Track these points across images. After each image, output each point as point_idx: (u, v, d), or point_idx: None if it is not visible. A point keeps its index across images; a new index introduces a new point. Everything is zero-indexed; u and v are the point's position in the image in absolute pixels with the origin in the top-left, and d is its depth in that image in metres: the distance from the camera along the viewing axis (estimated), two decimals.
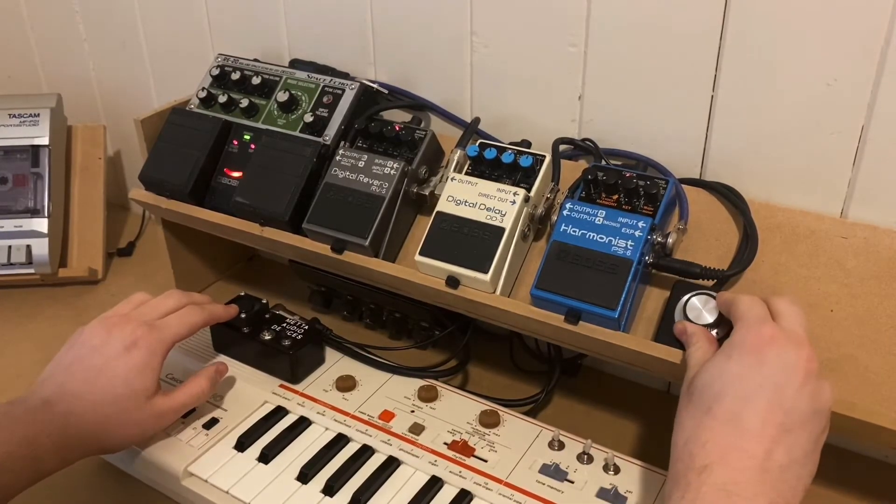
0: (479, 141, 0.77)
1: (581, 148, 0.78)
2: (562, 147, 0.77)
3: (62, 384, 0.65)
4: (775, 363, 0.52)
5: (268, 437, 0.72)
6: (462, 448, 0.70)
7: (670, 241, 0.66)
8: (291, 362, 0.78)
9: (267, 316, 0.81)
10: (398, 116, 0.87)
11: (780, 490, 0.50)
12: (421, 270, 0.73)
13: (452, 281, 0.70)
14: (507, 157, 0.72)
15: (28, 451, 0.60)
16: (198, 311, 0.74)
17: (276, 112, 0.85)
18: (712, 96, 0.70)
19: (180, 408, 0.70)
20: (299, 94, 0.85)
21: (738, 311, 0.57)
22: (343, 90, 0.84)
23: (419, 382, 0.78)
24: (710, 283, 0.65)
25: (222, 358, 0.82)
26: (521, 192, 0.70)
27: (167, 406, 0.69)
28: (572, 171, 0.75)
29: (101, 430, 0.65)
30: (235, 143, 0.86)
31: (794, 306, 0.57)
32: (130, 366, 0.66)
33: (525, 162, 0.72)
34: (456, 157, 0.76)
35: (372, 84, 0.85)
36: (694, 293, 0.63)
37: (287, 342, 0.78)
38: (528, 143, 0.77)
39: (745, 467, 0.50)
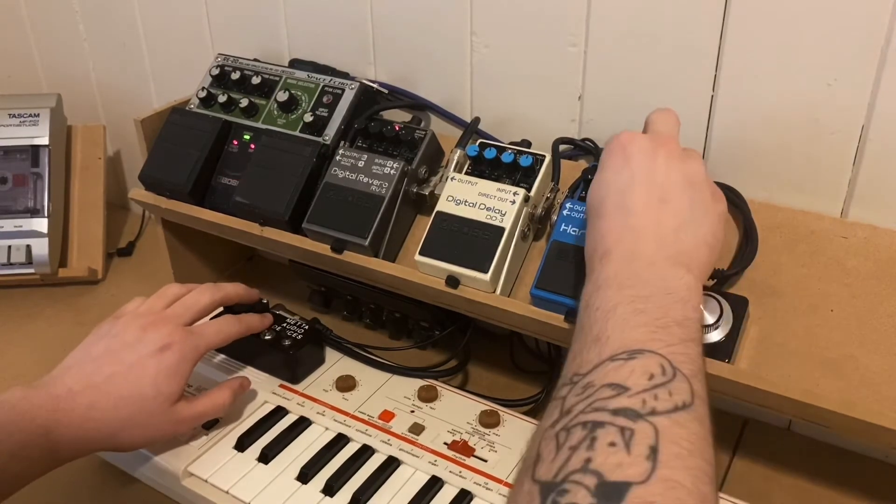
0: (479, 141, 0.77)
1: (581, 148, 0.78)
2: (562, 147, 0.77)
3: (89, 375, 0.64)
4: (638, 155, 0.57)
5: (268, 437, 0.72)
6: (462, 448, 0.70)
7: None
8: (291, 362, 0.78)
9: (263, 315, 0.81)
10: (398, 116, 0.87)
11: (678, 248, 0.53)
12: (421, 270, 0.73)
13: (452, 281, 0.70)
14: (506, 157, 0.72)
15: (45, 439, 0.60)
16: (234, 321, 0.74)
17: (275, 112, 0.85)
18: (712, 96, 0.70)
19: (200, 416, 0.70)
20: (299, 93, 0.85)
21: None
22: (343, 90, 0.83)
23: (419, 382, 0.78)
24: (711, 282, 0.65)
25: (222, 358, 0.82)
26: (521, 191, 0.70)
27: (188, 413, 0.68)
28: (572, 171, 0.75)
29: (119, 428, 0.64)
30: (235, 143, 0.86)
31: (662, 113, 0.62)
32: (161, 368, 0.65)
33: (525, 162, 0.72)
34: (456, 157, 0.76)
35: (372, 84, 0.85)
36: None
37: (287, 342, 0.78)
38: (528, 143, 0.77)
39: (640, 238, 0.53)
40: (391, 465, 0.69)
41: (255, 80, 0.86)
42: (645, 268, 0.52)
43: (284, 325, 0.80)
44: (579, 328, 0.50)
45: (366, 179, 0.76)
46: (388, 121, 0.81)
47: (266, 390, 0.78)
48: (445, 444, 0.71)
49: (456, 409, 0.75)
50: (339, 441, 0.72)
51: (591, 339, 0.47)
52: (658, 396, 0.42)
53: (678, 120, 0.61)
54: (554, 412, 0.43)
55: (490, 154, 0.73)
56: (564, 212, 0.68)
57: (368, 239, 0.74)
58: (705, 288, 0.64)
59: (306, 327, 0.80)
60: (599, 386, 0.43)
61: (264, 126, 0.85)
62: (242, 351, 0.80)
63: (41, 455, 0.60)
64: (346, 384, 0.77)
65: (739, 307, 0.63)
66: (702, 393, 0.43)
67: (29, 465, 0.60)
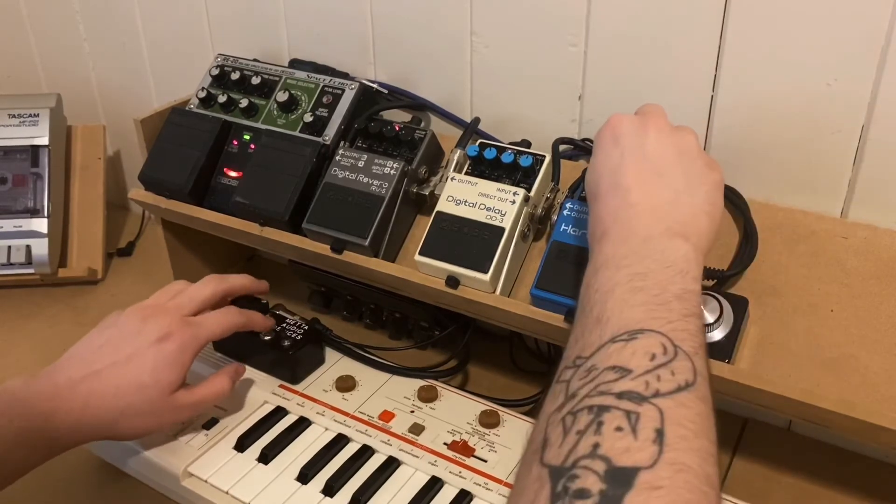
0: (479, 141, 0.77)
1: (581, 148, 0.78)
2: (562, 147, 0.77)
3: (90, 363, 0.65)
4: (625, 134, 0.58)
5: (268, 437, 0.72)
6: (462, 448, 0.70)
7: None
8: (291, 362, 0.78)
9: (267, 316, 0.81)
10: (398, 116, 0.87)
11: (674, 217, 0.53)
12: (421, 270, 0.73)
13: (452, 281, 0.70)
14: (506, 157, 0.72)
15: (45, 425, 0.61)
16: (236, 313, 0.73)
17: (275, 112, 0.85)
18: (712, 96, 0.70)
19: (200, 403, 0.70)
20: (299, 94, 0.85)
21: None
22: (343, 90, 0.83)
23: (419, 382, 0.78)
24: (711, 283, 0.65)
25: (219, 356, 0.82)
26: (521, 191, 0.70)
27: (188, 400, 0.68)
28: (572, 171, 0.75)
29: (119, 416, 0.64)
30: (235, 143, 0.86)
31: (649, 104, 0.61)
32: (160, 357, 0.66)
33: (525, 162, 0.72)
34: (456, 157, 0.76)
35: (372, 84, 0.85)
36: None
37: (287, 342, 0.78)
38: (528, 143, 0.77)
39: (634, 214, 0.53)
40: (391, 465, 0.69)
41: (255, 81, 0.86)
42: (641, 243, 0.51)
43: (284, 325, 0.80)
44: (580, 310, 0.50)
45: (366, 179, 0.76)
46: (388, 121, 0.81)
47: (266, 390, 0.78)
48: (445, 444, 0.71)
49: (456, 410, 0.75)
50: (339, 441, 0.72)
51: (591, 321, 0.47)
52: (661, 377, 0.42)
53: (664, 110, 0.61)
54: (559, 396, 0.43)
55: (490, 154, 0.73)
56: (564, 212, 0.68)
57: (368, 239, 0.74)
58: (705, 288, 0.64)
59: (306, 327, 0.80)
60: (602, 369, 0.43)
61: (264, 126, 0.85)
62: (242, 351, 0.80)
63: (41, 442, 0.61)
64: (345, 384, 0.77)
65: (739, 307, 0.63)
66: (703, 370, 0.43)
67: (29, 452, 0.60)
